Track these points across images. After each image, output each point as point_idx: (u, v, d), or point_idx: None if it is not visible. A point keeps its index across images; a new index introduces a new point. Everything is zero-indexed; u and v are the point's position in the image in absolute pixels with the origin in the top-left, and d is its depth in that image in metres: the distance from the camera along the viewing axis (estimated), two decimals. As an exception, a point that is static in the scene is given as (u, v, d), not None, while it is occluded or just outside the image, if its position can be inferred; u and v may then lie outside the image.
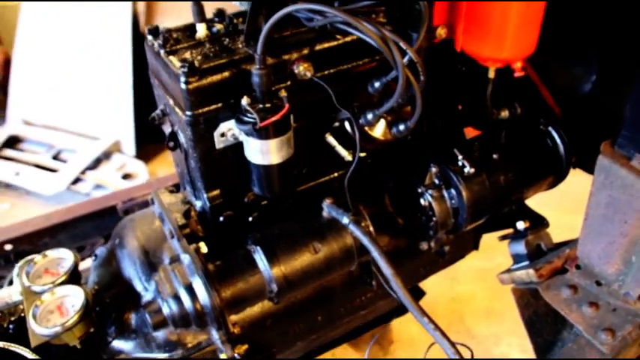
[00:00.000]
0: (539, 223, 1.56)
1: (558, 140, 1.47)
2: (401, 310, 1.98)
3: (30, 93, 3.62)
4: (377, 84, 1.22)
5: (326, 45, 1.28)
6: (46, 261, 1.40)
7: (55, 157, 3.38)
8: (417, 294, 1.98)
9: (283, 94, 1.18)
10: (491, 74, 1.39)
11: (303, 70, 1.23)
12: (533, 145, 1.48)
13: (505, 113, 1.51)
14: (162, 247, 1.39)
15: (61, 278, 1.35)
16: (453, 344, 1.22)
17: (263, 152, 1.21)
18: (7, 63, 3.72)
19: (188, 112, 1.20)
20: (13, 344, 1.23)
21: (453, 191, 1.37)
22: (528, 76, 1.56)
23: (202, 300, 1.27)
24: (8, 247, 1.78)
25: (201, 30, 1.32)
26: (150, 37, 1.32)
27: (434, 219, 1.40)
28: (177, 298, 1.29)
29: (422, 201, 1.41)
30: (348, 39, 1.30)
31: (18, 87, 3.65)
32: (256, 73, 1.13)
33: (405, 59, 1.12)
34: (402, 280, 1.25)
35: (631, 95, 1.24)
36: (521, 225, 1.55)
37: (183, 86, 1.17)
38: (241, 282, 1.32)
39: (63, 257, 1.40)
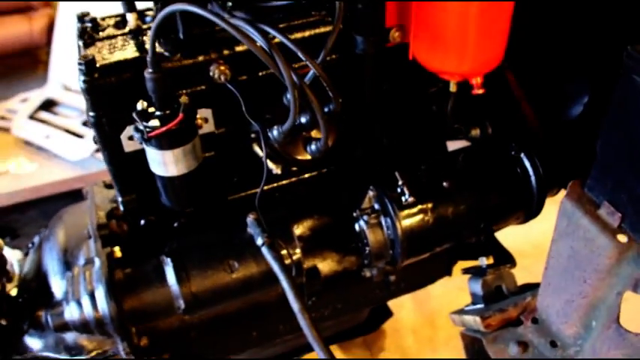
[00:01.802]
0: (504, 261, 1.35)
1: (530, 170, 1.26)
2: (350, 333, 1.86)
3: (70, 58, 3.69)
4: (289, 95, 1.07)
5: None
6: (-29, 247, 1.38)
7: (85, 124, 3.44)
8: (385, 314, 1.83)
9: (184, 100, 1.06)
10: (453, 88, 1.20)
11: (218, 73, 1.10)
12: (498, 173, 1.28)
13: (476, 132, 1.31)
14: (82, 246, 1.32)
15: (-21, 267, 1.33)
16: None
17: (162, 163, 1.10)
18: (52, 26, 3.81)
19: (90, 112, 1.12)
20: None
21: (389, 220, 1.21)
22: (511, 90, 1.35)
23: (101, 309, 1.20)
24: (-21, 219, 1.81)
25: (132, 21, 1.21)
26: (78, 25, 1.24)
27: (367, 248, 1.24)
28: (79, 303, 1.23)
29: (356, 226, 1.26)
30: (276, 41, 1.15)
31: (60, 51, 3.73)
32: (148, 77, 1.02)
33: (310, 74, 0.97)
34: (309, 317, 1.12)
35: (601, 127, 1.02)
36: (483, 261, 1.36)
37: (81, 84, 1.08)
38: (147, 294, 1.24)
39: (-12, 245, 1.38)
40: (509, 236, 1.55)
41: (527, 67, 1.30)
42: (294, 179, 1.40)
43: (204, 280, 1.22)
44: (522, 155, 1.26)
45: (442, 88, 1.33)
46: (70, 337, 1.28)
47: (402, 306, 2.91)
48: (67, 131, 3.38)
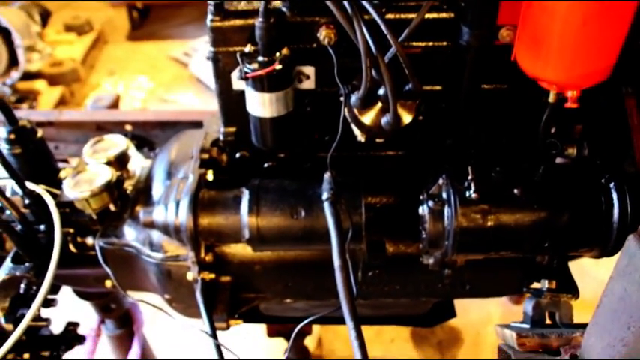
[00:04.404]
0: (566, 290, 1.29)
1: (615, 203, 1.18)
2: (405, 320, 1.86)
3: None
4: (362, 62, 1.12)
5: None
6: (106, 143, 1.65)
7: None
8: (447, 312, 1.81)
9: (285, 52, 1.18)
10: (551, 98, 1.17)
11: (324, 36, 1.20)
12: (577, 196, 1.21)
13: (572, 151, 1.26)
14: (185, 163, 1.52)
15: (108, 158, 1.59)
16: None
17: (254, 103, 1.24)
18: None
19: (211, 48, 1.28)
20: (47, 192, 1.50)
21: (450, 211, 1.22)
22: (625, 117, 1.27)
23: (181, 217, 1.38)
24: (129, 127, 2.12)
25: (271, -25, 1.35)
26: None
27: (424, 233, 1.27)
28: (167, 207, 1.43)
29: (420, 209, 1.28)
30: (390, 16, 1.21)
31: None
32: (257, 25, 1.15)
33: (390, 52, 1.02)
34: (346, 276, 1.19)
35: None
36: (544, 283, 1.31)
37: (208, 23, 1.24)
38: (220, 217, 1.39)
39: (118, 143, 1.64)
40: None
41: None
42: (381, 153, 1.46)
43: (271, 218, 1.34)
44: (611, 185, 1.18)
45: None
46: (155, 235, 1.49)
47: (490, 321, 2.84)
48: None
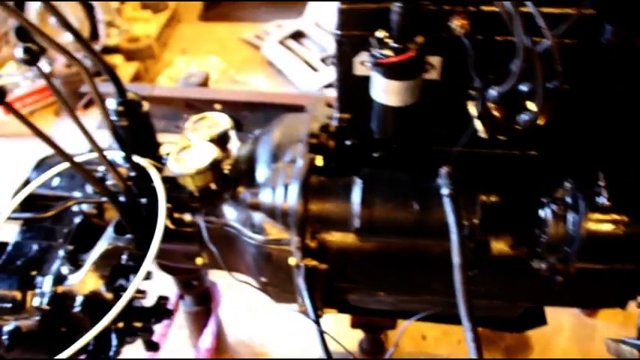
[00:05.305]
0: (693, 308, 1.23)
1: None
2: (492, 323, 1.81)
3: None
4: (518, 57, 1.08)
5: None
6: (209, 120, 1.65)
7: (323, 60, 3.74)
8: (538, 319, 1.76)
9: (419, 40, 1.14)
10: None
11: (456, 25, 1.15)
12: None
13: None
14: (292, 146, 1.51)
15: (210, 136, 1.60)
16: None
17: (382, 90, 1.21)
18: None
19: (337, 31, 1.26)
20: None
21: (576, 217, 1.17)
22: None
23: (290, 201, 1.38)
24: (218, 106, 2.13)
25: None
26: None
27: (543, 237, 1.22)
28: (274, 190, 1.42)
29: (540, 212, 1.24)
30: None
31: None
32: (394, 10, 1.12)
33: (542, 45, 0.98)
34: (465, 276, 1.16)
35: None
36: (666, 300, 1.25)
37: (339, 5, 1.22)
38: (331, 204, 1.38)
39: (221, 122, 1.64)
40: None
41: None
42: (499, 151, 1.41)
43: (384, 208, 1.32)
44: None
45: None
46: (257, 217, 1.49)
47: (561, 331, 2.76)
48: (306, 62, 3.73)
